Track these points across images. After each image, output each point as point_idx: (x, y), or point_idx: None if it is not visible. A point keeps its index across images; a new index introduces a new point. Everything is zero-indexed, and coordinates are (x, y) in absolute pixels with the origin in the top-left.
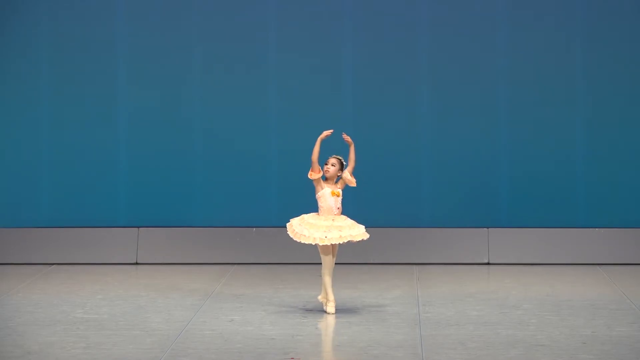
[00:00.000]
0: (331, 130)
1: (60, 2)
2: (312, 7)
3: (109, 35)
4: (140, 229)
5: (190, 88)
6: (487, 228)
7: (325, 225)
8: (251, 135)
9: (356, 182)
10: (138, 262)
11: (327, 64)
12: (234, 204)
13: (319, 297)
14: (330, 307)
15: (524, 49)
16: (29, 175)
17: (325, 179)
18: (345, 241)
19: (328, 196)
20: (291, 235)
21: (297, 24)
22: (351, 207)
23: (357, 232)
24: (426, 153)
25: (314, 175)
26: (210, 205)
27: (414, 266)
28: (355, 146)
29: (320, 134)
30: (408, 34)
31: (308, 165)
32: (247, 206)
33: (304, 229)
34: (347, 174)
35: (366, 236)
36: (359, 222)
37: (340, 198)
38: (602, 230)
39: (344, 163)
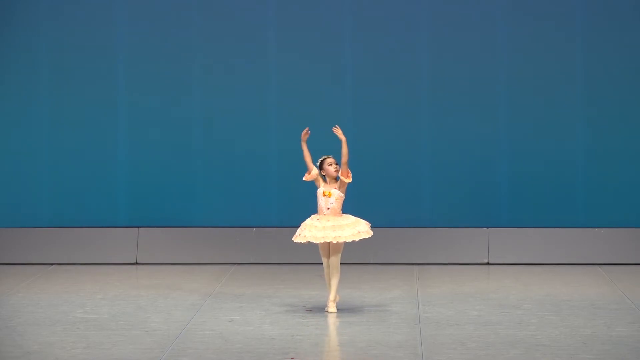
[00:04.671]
0: (307, 129)
1: (60, 2)
2: (312, 6)
3: (109, 36)
4: (140, 229)
5: (190, 88)
6: (487, 228)
7: (321, 225)
8: (251, 135)
9: (351, 176)
10: (138, 262)
11: (327, 63)
12: (234, 204)
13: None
14: (331, 307)
15: (524, 48)
16: (29, 175)
17: (325, 180)
18: (329, 241)
19: (320, 196)
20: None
21: (297, 24)
22: (352, 207)
23: (348, 233)
24: (426, 153)
25: (308, 177)
26: (210, 205)
27: (414, 266)
28: (350, 144)
29: (301, 136)
30: (408, 34)
31: None
32: (247, 206)
33: (302, 230)
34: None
35: (358, 237)
36: None
37: (332, 198)
38: (602, 230)
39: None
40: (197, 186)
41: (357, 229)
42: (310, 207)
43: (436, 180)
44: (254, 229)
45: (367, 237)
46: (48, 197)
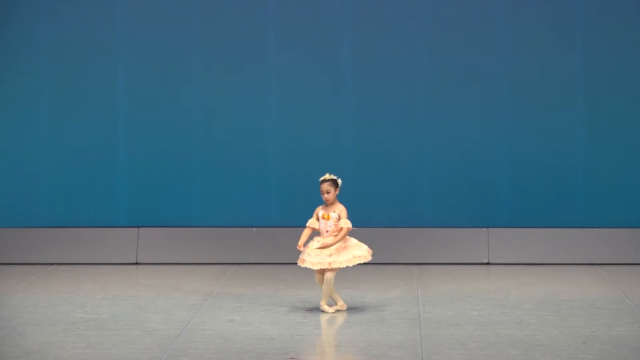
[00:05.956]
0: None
1: (60, 2)
2: (312, 7)
3: (109, 35)
4: (140, 229)
5: (190, 88)
6: (487, 228)
7: (318, 250)
8: (251, 135)
9: (350, 225)
10: (138, 262)
11: (327, 64)
12: (234, 204)
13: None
14: (324, 307)
15: (524, 48)
16: (29, 175)
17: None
18: (324, 267)
19: (320, 219)
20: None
21: (297, 24)
22: (351, 207)
23: (343, 258)
24: (426, 153)
25: (316, 226)
26: (210, 205)
27: (414, 266)
28: (350, 144)
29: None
30: (408, 34)
31: (308, 165)
32: (247, 206)
33: (303, 253)
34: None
35: (353, 262)
36: (359, 222)
37: (330, 221)
38: (602, 230)
39: (337, 181)
40: (197, 186)
41: (352, 253)
42: (310, 207)
43: (436, 180)
44: (254, 229)
45: (362, 262)
46: (48, 197)
